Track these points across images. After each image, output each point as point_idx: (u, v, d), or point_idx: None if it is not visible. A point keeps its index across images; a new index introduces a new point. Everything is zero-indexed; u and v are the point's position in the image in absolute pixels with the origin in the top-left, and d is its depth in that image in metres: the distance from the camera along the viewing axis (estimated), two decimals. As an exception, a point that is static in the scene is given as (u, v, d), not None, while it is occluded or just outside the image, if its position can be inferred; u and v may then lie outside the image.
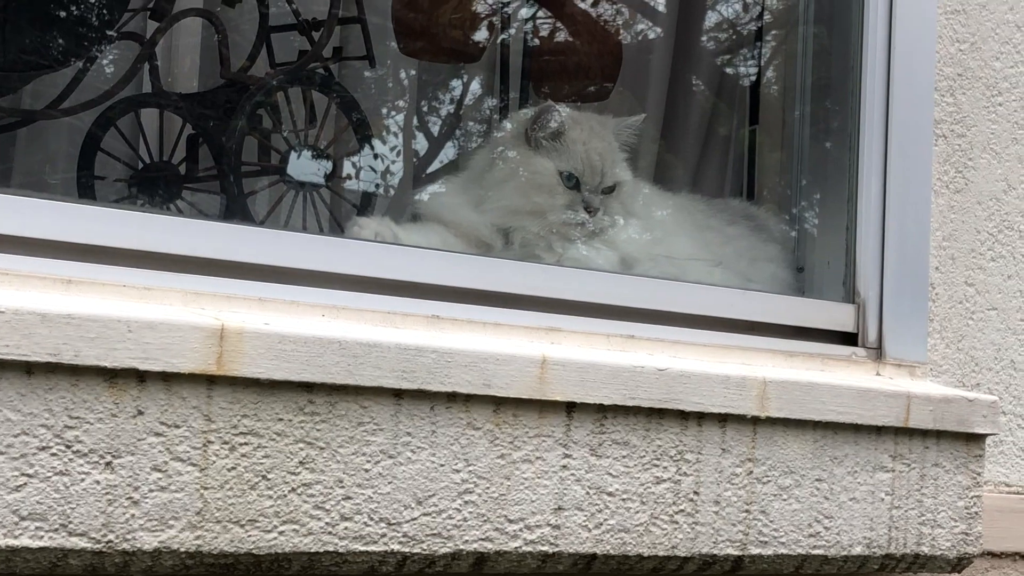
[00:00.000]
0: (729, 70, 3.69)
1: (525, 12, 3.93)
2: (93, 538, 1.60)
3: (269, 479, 1.70)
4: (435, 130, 4.06)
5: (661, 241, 2.68)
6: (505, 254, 2.51)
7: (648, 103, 3.52)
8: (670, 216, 2.82)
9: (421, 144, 4.01)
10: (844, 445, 2.17)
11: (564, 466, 1.92)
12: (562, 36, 3.87)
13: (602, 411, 1.95)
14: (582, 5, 3.86)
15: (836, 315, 2.44)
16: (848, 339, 2.43)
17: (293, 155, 3.17)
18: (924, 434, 2.24)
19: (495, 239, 2.53)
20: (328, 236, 2.60)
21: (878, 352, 2.43)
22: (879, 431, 2.20)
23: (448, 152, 3.93)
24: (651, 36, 3.83)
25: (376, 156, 3.65)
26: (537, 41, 3.88)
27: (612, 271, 2.47)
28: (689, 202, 2.95)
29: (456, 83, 4.02)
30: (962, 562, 2.30)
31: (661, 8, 3.83)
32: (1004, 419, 2.75)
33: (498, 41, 3.77)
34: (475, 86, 3.96)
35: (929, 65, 2.57)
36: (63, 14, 3.02)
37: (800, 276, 2.68)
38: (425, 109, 4.05)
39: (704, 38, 3.71)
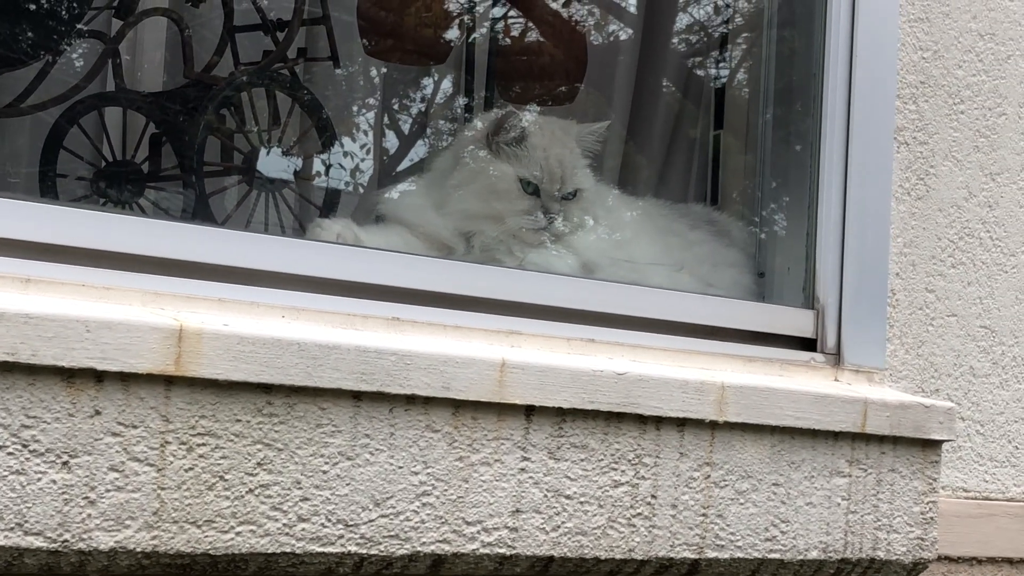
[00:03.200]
0: (696, 73, 3.70)
1: (490, 13, 3.93)
2: (49, 537, 1.59)
3: (227, 480, 1.70)
4: (403, 130, 4.06)
5: (623, 246, 2.69)
6: (466, 257, 2.51)
7: (615, 105, 3.53)
8: (633, 221, 2.82)
9: (388, 144, 4.00)
10: (801, 450, 2.18)
11: (522, 469, 1.92)
12: (528, 37, 3.87)
13: (561, 414, 1.96)
14: (552, 5, 3.87)
15: (796, 321, 2.45)
16: (807, 345, 2.44)
17: (256, 156, 3.16)
18: (881, 440, 2.26)
19: (457, 242, 2.54)
20: (289, 237, 2.60)
21: (837, 358, 2.44)
22: (836, 436, 2.21)
23: (414, 153, 3.93)
24: (622, 37, 3.83)
25: (343, 156, 3.65)
26: (504, 42, 3.88)
27: (572, 275, 2.48)
28: (652, 207, 2.96)
29: (424, 83, 4.02)
30: (917, 567, 2.32)
31: (631, 9, 3.84)
32: (962, 425, 2.77)
33: (464, 42, 3.77)
34: (442, 86, 3.96)
35: (891, 73, 2.58)
36: (30, 8, 3.01)
37: (761, 281, 2.69)
38: (396, 108, 4.05)
39: (672, 40, 3.72)
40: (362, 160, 3.80)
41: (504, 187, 2.58)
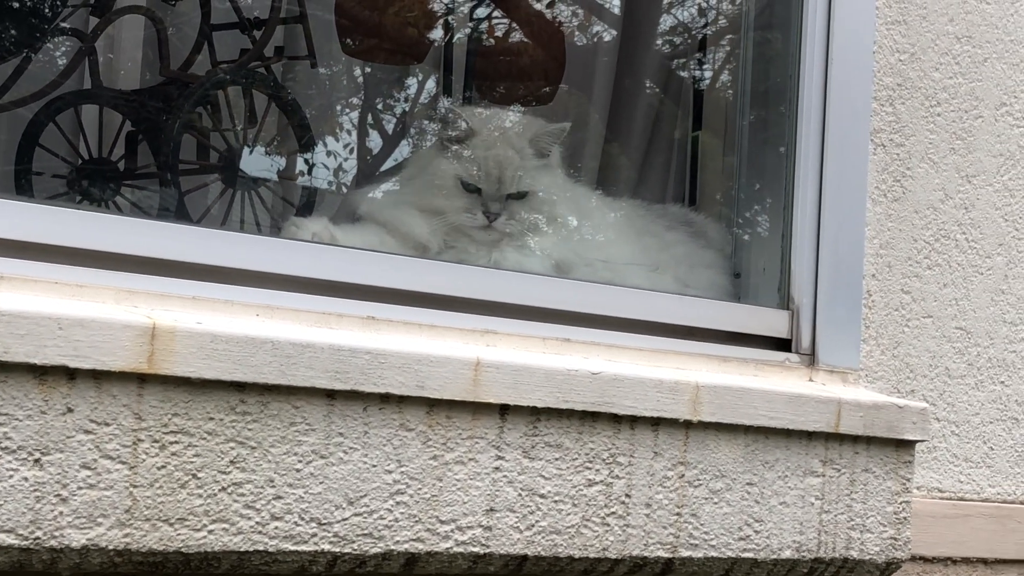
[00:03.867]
0: (677, 74, 3.71)
1: (471, 13, 3.94)
2: (20, 535, 1.59)
3: (199, 478, 1.70)
4: (386, 130, 4.06)
5: (597, 246, 2.70)
6: (442, 256, 2.51)
7: (595, 105, 3.54)
8: (604, 220, 2.83)
9: (372, 143, 4.01)
10: (775, 450, 2.18)
11: (497, 468, 1.93)
12: (506, 39, 3.88)
13: (536, 413, 1.96)
14: (535, 6, 3.87)
15: (771, 321, 2.45)
16: (782, 345, 2.45)
17: (233, 154, 3.16)
18: (854, 440, 2.26)
19: (432, 240, 2.54)
20: (264, 236, 2.59)
21: (811, 358, 2.45)
22: (810, 436, 2.22)
23: (397, 152, 3.93)
24: (605, 38, 3.84)
25: (326, 155, 3.65)
26: (486, 42, 3.89)
27: (548, 275, 2.48)
28: (629, 207, 2.97)
29: (408, 83, 4.03)
30: (890, 567, 2.32)
31: (613, 10, 3.85)
32: (937, 426, 2.78)
33: (444, 42, 3.78)
34: (426, 86, 3.97)
35: (867, 75, 2.59)
36: (7, 4, 3.00)
37: (737, 282, 2.70)
38: (379, 108, 4.05)
39: (653, 42, 3.72)
40: (345, 160, 3.80)
41: (442, 183, 2.62)
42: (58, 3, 3.11)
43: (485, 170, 2.61)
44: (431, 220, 2.56)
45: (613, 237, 2.77)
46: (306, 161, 3.55)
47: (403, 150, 3.87)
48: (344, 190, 3.70)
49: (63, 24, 3.13)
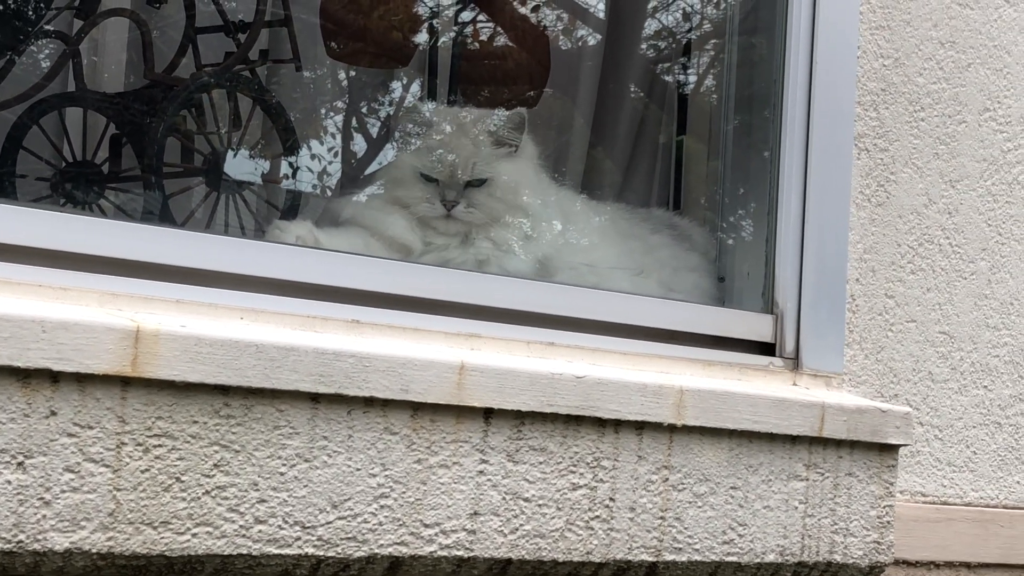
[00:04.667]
0: (661, 78, 3.72)
1: (453, 16, 3.94)
2: (3, 538, 1.59)
3: (183, 481, 1.70)
4: (371, 133, 4.06)
5: (579, 250, 2.71)
6: (426, 259, 2.51)
7: (580, 108, 3.54)
8: (587, 224, 2.83)
9: (356, 147, 4.01)
10: (759, 454, 2.19)
11: (481, 471, 1.93)
12: (491, 43, 3.88)
13: (520, 417, 1.96)
14: (520, 10, 3.87)
15: (755, 325, 2.46)
16: (766, 349, 2.45)
17: (217, 157, 3.16)
18: (838, 444, 2.27)
19: (412, 240, 2.55)
20: (249, 239, 2.59)
21: (795, 362, 2.45)
22: (794, 440, 2.22)
23: (382, 156, 3.93)
24: (590, 43, 3.85)
25: (310, 158, 3.65)
26: (471, 46, 3.89)
27: (532, 278, 2.48)
28: (613, 211, 2.97)
29: (387, 87, 4.03)
30: (874, 570, 2.33)
31: (598, 15, 3.85)
32: (920, 430, 2.78)
33: (429, 46, 3.78)
34: (402, 90, 3.97)
35: (850, 80, 2.60)
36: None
37: (721, 286, 2.70)
38: (364, 111, 4.05)
39: (638, 46, 3.73)
40: (329, 163, 3.80)
41: (402, 176, 2.66)
42: (42, 5, 3.11)
43: (440, 159, 2.64)
44: (404, 216, 2.58)
45: (597, 240, 2.77)
46: (290, 164, 3.55)
47: (387, 154, 3.87)
48: (328, 193, 3.70)
49: (47, 26, 3.13)
